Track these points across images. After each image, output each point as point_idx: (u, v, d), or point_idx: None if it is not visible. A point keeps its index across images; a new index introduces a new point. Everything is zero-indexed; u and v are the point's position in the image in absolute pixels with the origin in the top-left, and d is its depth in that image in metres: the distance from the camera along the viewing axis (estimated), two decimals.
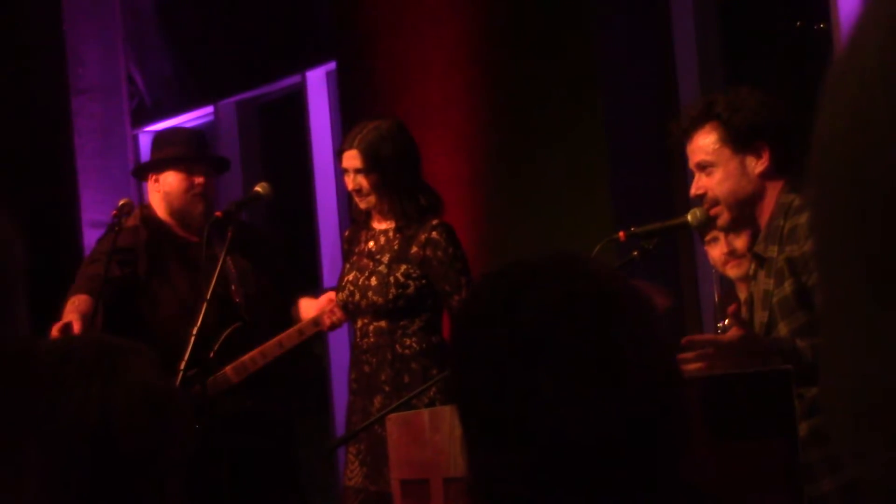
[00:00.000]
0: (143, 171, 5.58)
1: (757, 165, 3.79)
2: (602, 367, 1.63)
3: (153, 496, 2.02)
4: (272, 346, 5.14)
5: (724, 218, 3.84)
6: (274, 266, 5.43)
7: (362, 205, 4.99)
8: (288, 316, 5.31)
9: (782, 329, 3.64)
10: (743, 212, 3.80)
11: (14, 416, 1.16)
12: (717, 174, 3.81)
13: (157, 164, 5.36)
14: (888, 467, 0.91)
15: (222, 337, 5.11)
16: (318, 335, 5.23)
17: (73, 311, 4.99)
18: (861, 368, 0.93)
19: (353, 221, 5.20)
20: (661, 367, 1.67)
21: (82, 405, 1.97)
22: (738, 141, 3.79)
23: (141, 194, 7.77)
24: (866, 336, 0.91)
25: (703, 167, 3.85)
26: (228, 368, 5.15)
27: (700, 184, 3.86)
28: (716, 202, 3.82)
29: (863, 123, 0.91)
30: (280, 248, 5.91)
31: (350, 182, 4.98)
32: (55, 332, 4.79)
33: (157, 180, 5.36)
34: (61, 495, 1.97)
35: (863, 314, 0.92)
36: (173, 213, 5.34)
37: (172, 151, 5.30)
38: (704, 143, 3.84)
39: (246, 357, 5.15)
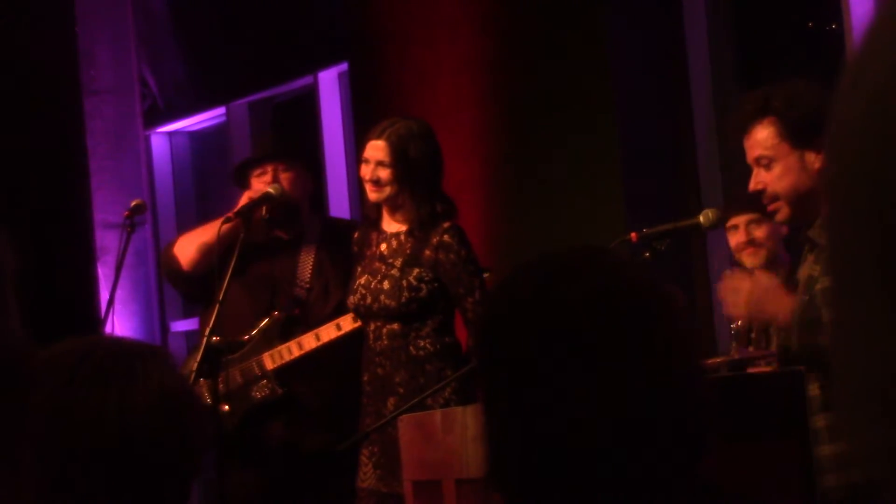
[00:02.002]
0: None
1: (816, 160, 3.76)
2: (627, 363, 1.64)
3: (171, 497, 2.02)
4: (309, 337, 5.15)
5: (783, 213, 3.80)
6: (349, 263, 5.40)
7: (373, 196, 4.96)
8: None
9: (825, 316, 3.63)
10: (803, 207, 3.77)
11: (8, 421, 1.14)
12: (777, 169, 3.77)
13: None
14: None
15: (261, 325, 5.19)
16: (357, 331, 5.15)
17: None
18: (876, 367, 0.93)
19: (363, 221, 5.19)
20: (686, 365, 1.68)
21: (100, 407, 1.97)
22: (797, 136, 3.75)
23: (153, 194, 7.79)
24: (882, 335, 0.92)
25: (762, 162, 3.82)
26: (265, 355, 5.20)
27: (759, 179, 3.80)
28: (775, 197, 3.79)
29: (879, 128, 0.92)
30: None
31: (368, 172, 4.95)
32: None
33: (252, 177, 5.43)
34: (78, 497, 1.97)
35: (878, 316, 0.92)
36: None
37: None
38: (762, 138, 3.80)
39: (283, 346, 5.18)
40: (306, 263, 5.34)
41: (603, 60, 5.78)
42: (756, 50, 6.00)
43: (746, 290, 3.62)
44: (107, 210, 7.40)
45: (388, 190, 4.94)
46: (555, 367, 1.64)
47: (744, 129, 3.85)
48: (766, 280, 3.75)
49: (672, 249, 4.17)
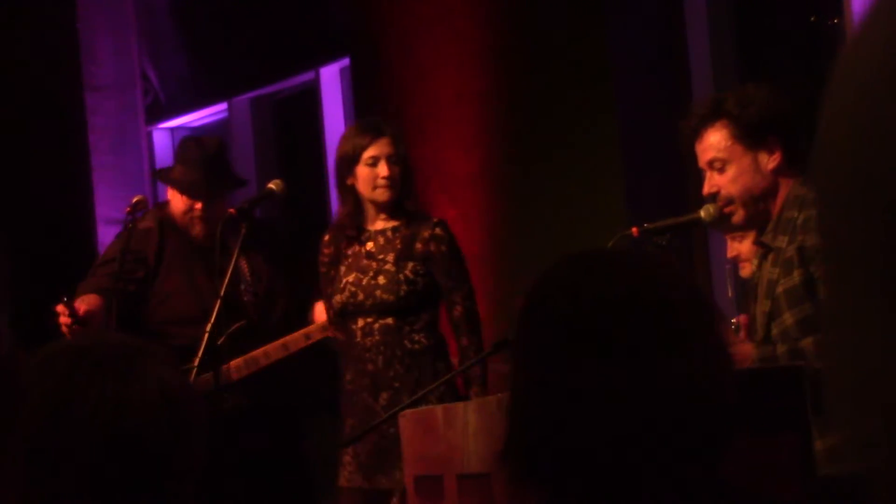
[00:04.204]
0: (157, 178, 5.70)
1: (769, 161, 3.79)
2: (657, 362, 1.65)
3: (170, 494, 2.02)
4: (277, 347, 5.20)
5: (739, 216, 3.83)
6: (289, 266, 5.46)
7: (388, 194, 4.95)
8: (299, 317, 5.35)
9: (788, 319, 3.66)
10: (757, 208, 3.80)
11: None
12: (730, 172, 3.81)
13: (164, 180, 5.48)
14: (892, 462, 0.92)
15: (225, 334, 5.07)
16: (326, 340, 5.23)
17: (83, 303, 5.08)
18: (871, 367, 0.93)
19: (335, 225, 5.12)
20: (715, 366, 1.69)
21: (97, 404, 1.97)
22: (750, 137, 3.79)
23: (156, 191, 7.80)
24: (877, 337, 0.92)
25: (716, 165, 3.84)
26: (231, 365, 5.18)
27: (713, 182, 3.85)
28: (730, 200, 3.82)
29: (868, 124, 0.92)
30: (297, 247, 5.90)
31: (384, 170, 4.93)
32: (60, 309, 4.91)
33: (168, 188, 5.45)
34: (78, 493, 1.98)
35: (873, 315, 0.93)
36: (181, 223, 5.40)
37: (180, 173, 5.35)
38: (715, 141, 3.83)
39: (248, 356, 5.20)
40: (245, 269, 5.34)
41: (604, 56, 5.79)
42: (757, 45, 6.00)
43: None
44: (108, 206, 7.42)
45: (398, 186, 4.96)
46: (585, 363, 1.66)
47: (696, 133, 3.88)
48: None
49: (674, 244, 4.17)
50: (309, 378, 5.55)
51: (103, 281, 5.20)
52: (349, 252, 5.03)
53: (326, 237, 5.11)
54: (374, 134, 4.99)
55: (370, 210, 5.00)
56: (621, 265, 1.75)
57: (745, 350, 3.69)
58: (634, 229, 4.13)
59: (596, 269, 1.74)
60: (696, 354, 1.67)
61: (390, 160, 4.93)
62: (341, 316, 5.02)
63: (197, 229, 5.34)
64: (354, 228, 5.02)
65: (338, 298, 5.00)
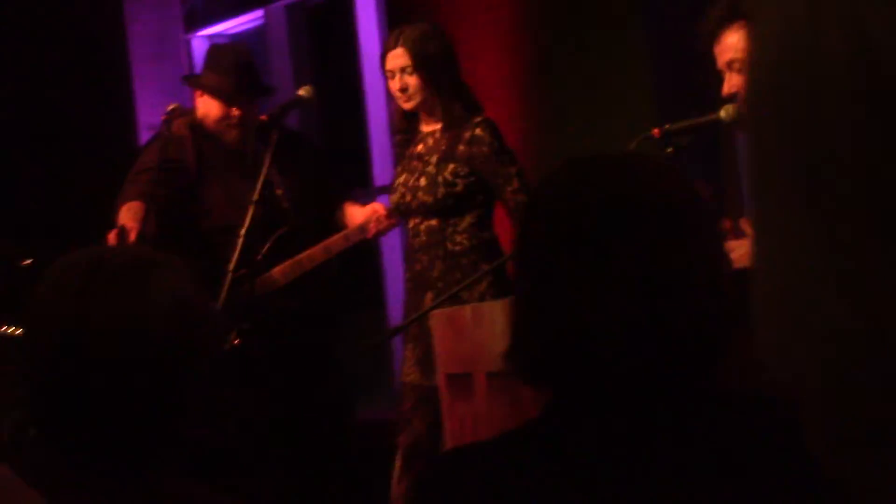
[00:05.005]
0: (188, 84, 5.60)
1: None
2: (647, 265, 1.67)
3: (177, 403, 2.03)
4: (319, 250, 5.22)
5: None
6: (319, 171, 5.48)
7: (407, 105, 5.02)
8: (333, 221, 5.39)
9: None
10: None
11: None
12: None
13: (198, 87, 5.41)
14: (810, 368, 0.97)
15: (270, 240, 5.18)
16: (363, 242, 5.28)
17: (131, 219, 5.05)
18: (790, 270, 0.99)
19: (396, 130, 5.21)
20: (709, 268, 1.70)
21: (113, 315, 1.98)
22: None
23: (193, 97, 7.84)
24: (796, 239, 0.98)
25: (734, 66, 3.84)
26: (276, 270, 5.22)
27: (732, 82, 3.85)
28: None
29: (790, 50, 0.98)
30: (325, 152, 5.94)
31: (396, 83, 5.01)
32: (112, 238, 4.85)
33: (200, 95, 5.40)
34: (90, 406, 1.99)
35: (781, 209, 0.99)
36: (213, 131, 5.38)
37: (214, 80, 5.32)
38: (733, 42, 3.80)
39: (293, 260, 5.22)
40: (279, 176, 5.32)
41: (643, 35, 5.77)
42: None
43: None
44: (150, 113, 7.47)
45: (417, 97, 5.00)
46: (577, 266, 1.68)
47: (713, 35, 3.87)
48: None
49: (701, 144, 4.19)
50: (351, 277, 5.60)
51: (146, 188, 5.20)
52: (406, 153, 5.12)
53: (397, 137, 5.20)
54: (389, 45, 5.05)
55: (421, 112, 5.06)
56: (620, 167, 1.76)
57: (740, 251, 3.72)
58: (656, 130, 4.16)
59: (595, 171, 1.75)
60: (693, 256, 1.68)
61: (405, 72, 4.98)
62: (400, 216, 5.13)
63: (233, 135, 5.33)
64: (405, 131, 5.11)
65: (392, 199, 5.12)
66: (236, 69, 5.32)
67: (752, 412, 1.69)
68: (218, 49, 5.60)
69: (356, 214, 5.31)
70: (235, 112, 5.31)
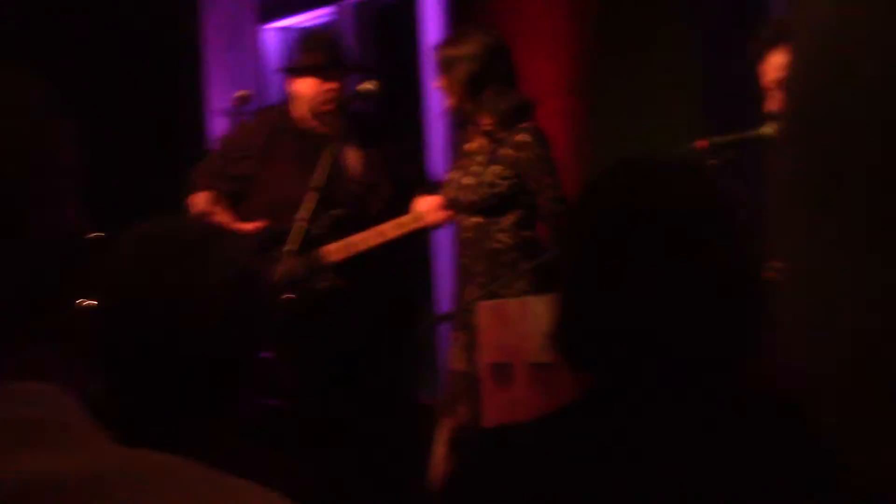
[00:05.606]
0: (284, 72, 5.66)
1: None
2: (682, 268, 1.72)
3: (234, 371, 2.06)
4: (374, 234, 5.28)
5: None
6: (396, 159, 5.54)
7: (450, 103, 5.13)
8: (401, 209, 5.42)
9: None
10: None
11: (61, 303, 1.16)
12: None
13: (293, 71, 5.50)
14: (831, 367, 1.01)
15: (327, 221, 5.27)
16: (418, 231, 5.36)
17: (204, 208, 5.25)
18: (812, 268, 1.04)
19: (460, 122, 5.30)
20: (742, 273, 1.74)
21: (177, 285, 2.03)
22: None
23: (263, 88, 7.97)
24: (817, 242, 1.04)
25: (779, 84, 3.94)
26: (330, 248, 5.30)
27: (777, 100, 3.95)
28: None
29: (812, 73, 1.06)
30: (410, 142, 5.98)
31: (439, 81, 5.14)
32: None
33: (295, 82, 5.50)
34: (152, 374, 2.02)
35: (805, 214, 1.05)
36: (308, 112, 5.47)
37: (309, 58, 5.42)
38: (779, 61, 3.92)
39: (347, 240, 5.29)
40: (354, 159, 5.41)
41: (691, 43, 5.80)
42: None
43: None
44: (220, 101, 7.58)
45: (456, 94, 5.09)
46: (621, 261, 1.73)
47: (760, 54, 3.98)
48: None
49: (746, 156, 4.29)
50: (405, 264, 5.63)
51: (213, 179, 5.39)
52: (463, 149, 5.23)
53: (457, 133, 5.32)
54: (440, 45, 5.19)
55: (475, 112, 5.13)
56: (667, 171, 1.80)
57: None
58: (703, 142, 4.24)
59: (644, 173, 1.79)
60: (729, 258, 1.73)
61: (444, 71, 5.09)
62: (451, 209, 5.23)
63: (329, 111, 5.40)
64: (464, 126, 5.21)
65: (445, 193, 5.24)
66: (329, 46, 5.45)
67: (774, 410, 1.73)
68: (308, 32, 5.74)
69: (421, 204, 5.40)
70: (331, 86, 5.41)
